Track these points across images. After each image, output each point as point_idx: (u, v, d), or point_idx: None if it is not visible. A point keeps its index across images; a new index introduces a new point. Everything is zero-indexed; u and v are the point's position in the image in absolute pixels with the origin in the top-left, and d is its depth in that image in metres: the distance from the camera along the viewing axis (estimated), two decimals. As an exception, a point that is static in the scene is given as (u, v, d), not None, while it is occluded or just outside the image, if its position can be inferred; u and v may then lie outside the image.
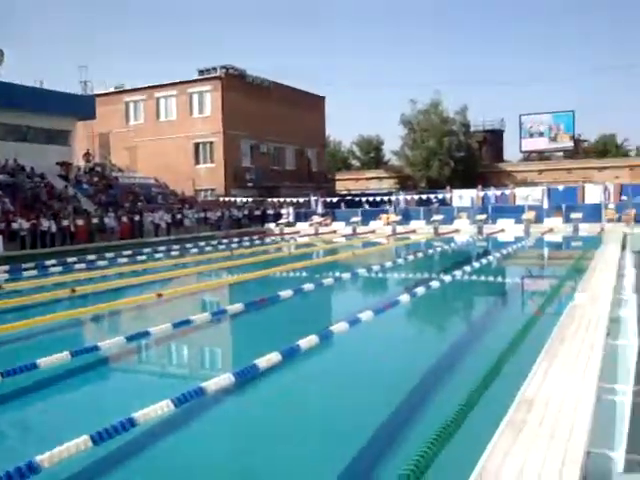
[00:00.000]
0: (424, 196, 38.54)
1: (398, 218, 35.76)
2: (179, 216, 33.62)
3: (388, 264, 17.56)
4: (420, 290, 11.67)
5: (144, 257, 21.86)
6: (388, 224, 34.60)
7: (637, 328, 7.36)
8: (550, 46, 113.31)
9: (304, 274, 16.66)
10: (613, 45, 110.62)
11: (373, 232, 33.11)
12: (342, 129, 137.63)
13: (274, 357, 6.71)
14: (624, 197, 35.23)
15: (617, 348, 6.55)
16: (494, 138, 60.76)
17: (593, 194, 36.67)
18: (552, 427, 4.54)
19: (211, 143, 43.02)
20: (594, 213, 31.51)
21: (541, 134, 55.82)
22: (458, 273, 14.67)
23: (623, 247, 16.25)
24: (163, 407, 5.27)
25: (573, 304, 9.15)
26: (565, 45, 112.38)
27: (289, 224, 37.35)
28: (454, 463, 4.38)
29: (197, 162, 43.57)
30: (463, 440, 4.61)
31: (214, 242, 27.04)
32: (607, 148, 66.30)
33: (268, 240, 30.12)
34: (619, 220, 30.22)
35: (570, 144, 55.93)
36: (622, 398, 4.81)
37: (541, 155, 58.22)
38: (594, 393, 5.25)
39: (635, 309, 7.33)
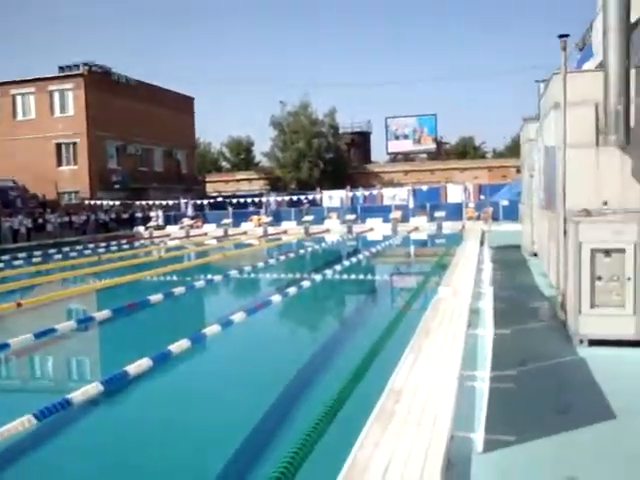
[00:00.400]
0: (295, 197, 38.98)
1: (269, 219, 35.94)
2: (40, 220, 31.84)
3: (260, 265, 17.59)
4: (292, 290, 11.79)
5: (1, 265, 20.50)
6: (259, 225, 34.69)
7: (492, 318, 7.86)
8: (413, 49, 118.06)
9: (175, 277, 16.34)
10: (470, 50, 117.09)
11: (245, 234, 33.06)
12: (213, 131, 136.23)
13: (145, 363, 6.53)
14: (482, 197, 37.50)
15: (477, 337, 6.94)
16: (362, 140, 62.53)
17: (455, 194, 38.62)
18: (419, 415, 4.74)
19: (74, 144, 41.04)
20: (456, 212, 33.24)
21: (406, 136, 58.10)
22: (329, 272, 14.96)
23: (482, 243, 17.26)
24: (24, 423, 4.98)
25: (437, 298, 9.60)
26: (427, 49, 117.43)
27: (159, 227, 36.49)
28: (329, 457, 4.47)
29: (59, 164, 41.38)
30: (337, 434, 4.72)
31: (79, 247, 25.86)
32: (466, 150, 70.08)
33: (137, 244, 29.22)
34: (478, 218, 32.06)
35: (433, 146, 58.62)
36: (481, 384, 5.11)
37: (406, 156, 60.59)
38: (456, 381, 5.54)
39: (491, 300, 7.82)
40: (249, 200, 40.74)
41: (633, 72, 9.44)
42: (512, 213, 29.60)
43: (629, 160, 9.47)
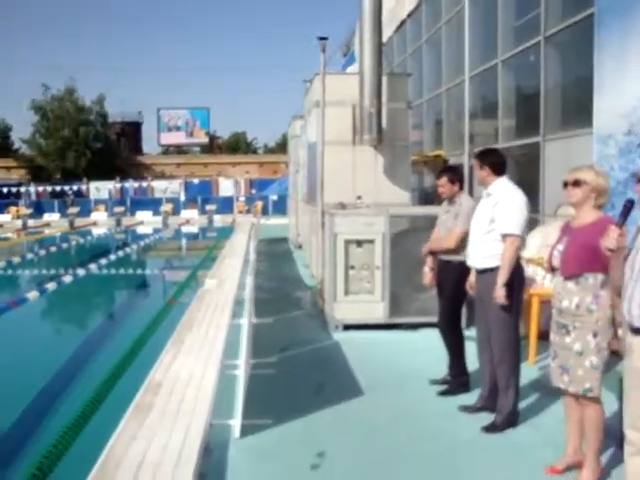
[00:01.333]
0: (58, 188, 36.52)
1: (29, 211, 33.29)
2: None
3: (16, 260, 16.25)
4: (51, 286, 11.06)
5: None
6: (18, 218, 31.98)
7: (256, 308, 8.12)
8: (186, 41, 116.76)
9: None
10: (246, 46, 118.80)
11: (0, 227, 30.32)
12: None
13: None
14: (253, 191, 38.35)
15: (240, 327, 7.06)
16: (133, 130, 60.44)
17: (226, 188, 39.03)
18: (178, 406, 4.73)
19: None
20: (227, 205, 33.62)
21: (178, 128, 57.30)
22: (94, 266, 14.28)
23: (251, 236, 17.66)
24: None
25: (203, 290, 9.65)
26: (201, 42, 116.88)
27: None
28: (88, 454, 4.30)
29: None
30: (98, 431, 4.55)
31: None
32: (239, 145, 71.01)
33: None
34: (249, 212, 32.73)
35: (206, 140, 58.51)
36: (242, 372, 5.24)
37: (179, 149, 59.80)
38: (217, 370, 5.62)
39: (255, 291, 8.07)
40: (5, 190, 37.38)
41: (385, 79, 10.28)
42: (281, 207, 30.64)
43: (381, 158, 10.32)
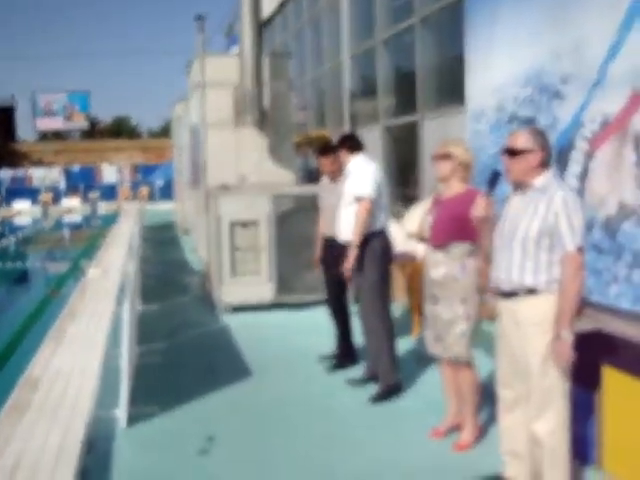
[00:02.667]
0: None
1: None
2: None
3: None
4: None
5: None
6: None
7: (142, 295, 7.92)
8: (63, 23, 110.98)
9: None
10: (129, 29, 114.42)
11: None
12: None
13: None
14: (138, 176, 37.23)
15: (125, 315, 6.88)
16: (5, 116, 56.83)
17: (110, 174, 37.65)
18: (58, 402, 4.56)
19: None
20: (111, 192, 32.49)
21: (56, 113, 54.53)
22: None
23: (137, 222, 17.17)
24: None
25: (86, 279, 9.31)
26: (79, 24, 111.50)
27: None
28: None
29: None
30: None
31: None
32: (122, 129, 68.62)
33: None
34: (134, 198, 31.77)
35: (86, 124, 56.03)
36: (128, 361, 5.09)
37: (57, 135, 57.00)
38: (101, 360, 5.45)
39: (141, 278, 7.87)
40: None
41: (266, 59, 10.21)
42: (168, 192, 29.88)
43: (264, 139, 10.27)
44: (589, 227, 5.57)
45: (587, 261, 4.29)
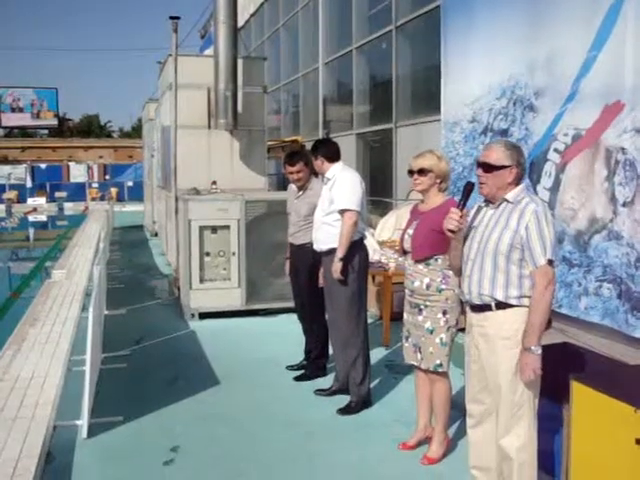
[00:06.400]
0: None
1: None
2: None
3: None
4: None
5: None
6: None
7: (107, 300, 7.75)
8: (32, 19, 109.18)
9: None
10: (100, 28, 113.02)
11: None
12: None
13: None
14: (107, 177, 36.75)
15: (90, 320, 6.72)
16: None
17: (78, 173, 37.12)
18: (15, 410, 4.41)
19: None
20: (79, 192, 31.99)
21: (22, 110, 53.52)
22: None
23: (104, 224, 16.89)
24: None
25: (50, 282, 9.09)
26: (50, 20, 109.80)
27: None
28: None
29: None
30: None
31: None
32: (91, 128, 67.69)
33: None
34: (102, 199, 31.33)
35: (55, 122, 55.10)
36: (89, 367, 4.95)
37: (24, 132, 55.99)
38: (63, 368, 5.30)
39: (106, 282, 7.69)
40: None
41: (240, 62, 10.13)
42: (138, 194, 29.56)
43: (237, 143, 10.19)
44: (560, 240, 5.61)
45: (557, 274, 4.29)
